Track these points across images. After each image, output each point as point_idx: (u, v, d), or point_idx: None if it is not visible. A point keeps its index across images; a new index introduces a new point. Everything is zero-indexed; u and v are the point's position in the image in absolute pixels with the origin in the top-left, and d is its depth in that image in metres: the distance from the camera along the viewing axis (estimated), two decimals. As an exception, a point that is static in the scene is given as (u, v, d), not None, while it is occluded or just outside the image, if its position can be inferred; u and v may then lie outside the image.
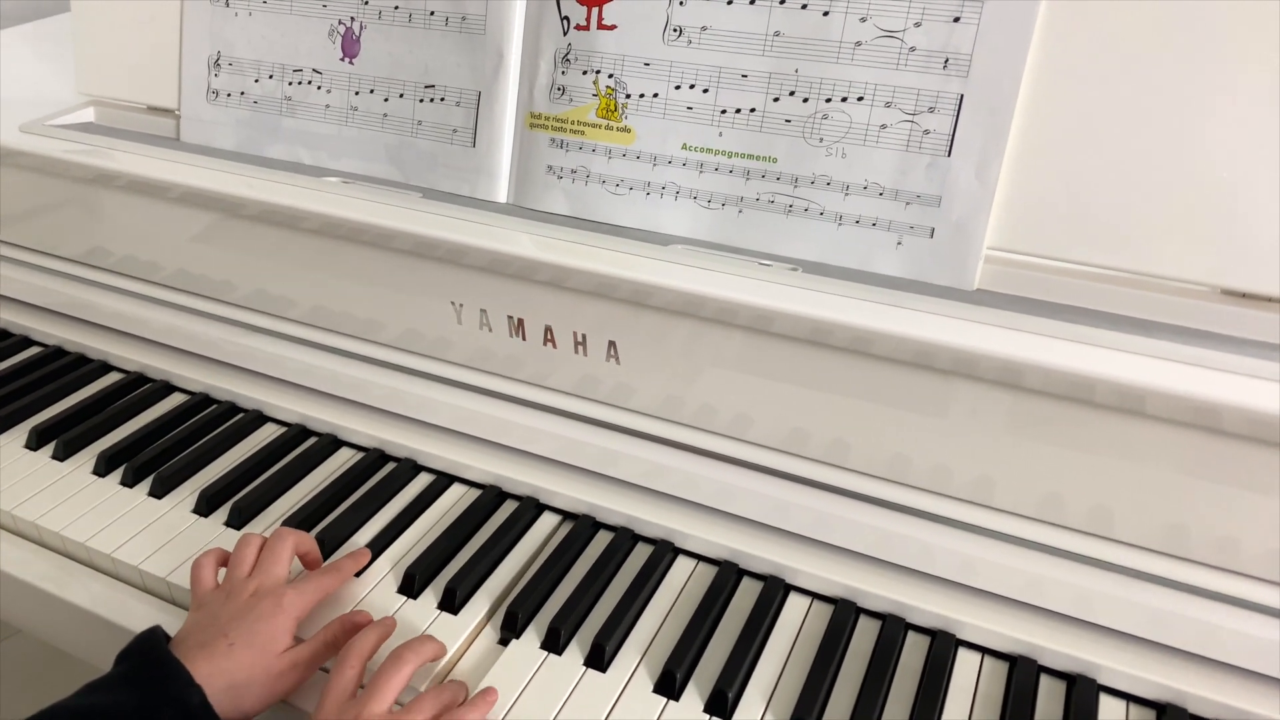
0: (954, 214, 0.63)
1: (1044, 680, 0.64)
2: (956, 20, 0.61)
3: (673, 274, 0.65)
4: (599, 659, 0.65)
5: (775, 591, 0.70)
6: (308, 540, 0.70)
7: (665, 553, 0.73)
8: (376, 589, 0.71)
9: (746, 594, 0.71)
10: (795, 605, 0.70)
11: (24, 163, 0.89)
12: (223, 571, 0.68)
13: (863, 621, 0.69)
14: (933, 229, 0.64)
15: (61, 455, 0.84)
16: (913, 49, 0.62)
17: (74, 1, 0.92)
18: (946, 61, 0.62)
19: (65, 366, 0.97)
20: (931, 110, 0.62)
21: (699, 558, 0.74)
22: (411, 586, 0.71)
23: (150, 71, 0.90)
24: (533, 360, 0.75)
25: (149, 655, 0.58)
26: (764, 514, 0.72)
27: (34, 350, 1.01)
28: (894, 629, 0.67)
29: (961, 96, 0.61)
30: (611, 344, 0.71)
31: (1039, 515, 0.65)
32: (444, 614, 0.69)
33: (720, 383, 0.69)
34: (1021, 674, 0.64)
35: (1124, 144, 0.59)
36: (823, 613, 0.69)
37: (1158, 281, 0.61)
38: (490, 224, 0.74)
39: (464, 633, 0.67)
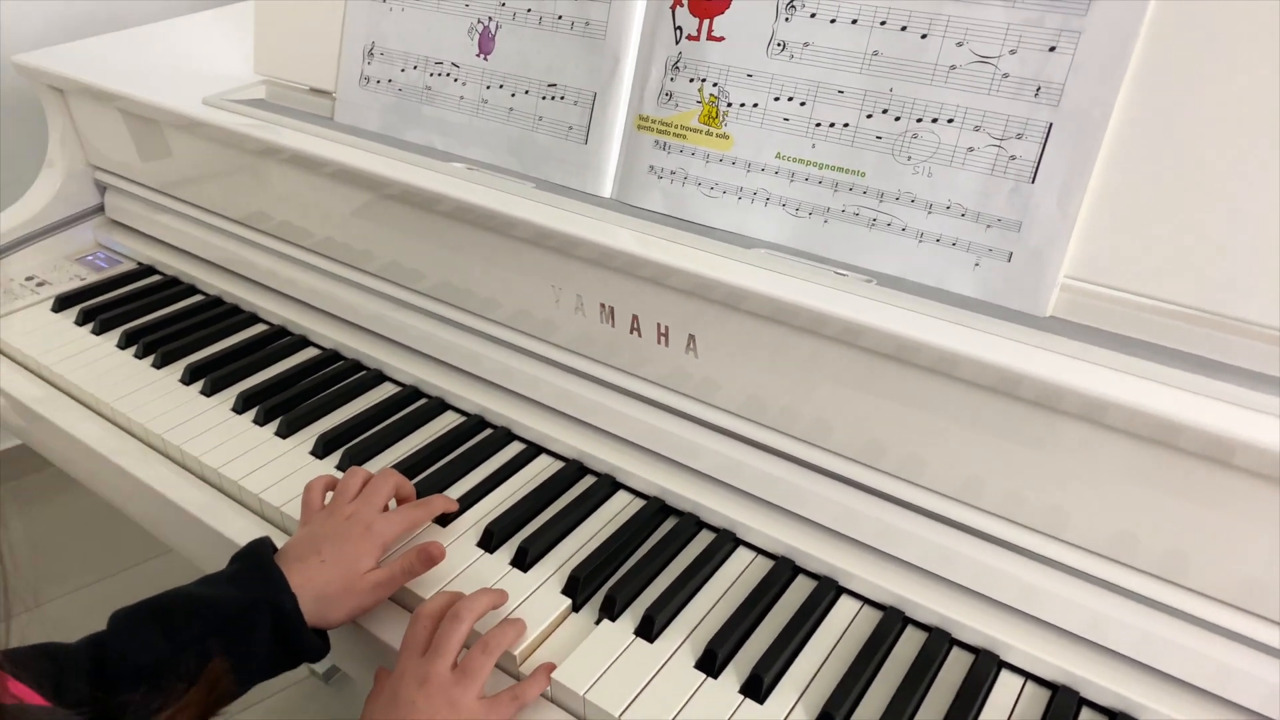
0: (1033, 240, 0.63)
1: (1085, 713, 0.64)
2: (1052, 50, 0.61)
3: (756, 278, 0.68)
4: (648, 630, 0.69)
5: (827, 591, 0.72)
6: (407, 486, 0.78)
7: (726, 542, 0.77)
8: (458, 541, 0.77)
9: (799, 590, 0.73)
10: (845, 607, 0.72)
11: (203, 132, 1.01)
12: (329, 496, 0.76)
13: (909, 631, 0.70)
14: (1010, 253, 0.64)
15: (209, 391, 0.96)
16: (1006, 75, 0.63)
17: (257, -8, 1.03)
18: (1039, 90, 0.62)
19: (221, 314, 1.09)
20: (1019, 136, 0.63)
21: (758, 550, 0.77)
22: (489, 542, 0.77)
23: (314, 57, 1.00)
24: (622, 347, 0.80)
25: (256, 560, 0.67)
26: (831, 519, 0.74)
27: (197, 298, 1.14)
28: (938, 642, 0.68)
29: (1050, 125, 0.62)
30: (691, 337, 0.75)
31: (1110, 553, 0.65)
32: (514, 570, 0.75)
33: (798, 387, 0.72)
34: (1061, 703, 0.64)
35: (1215, 184, 0.59)
36: (870, 618, 0.71)
37: (1239, 324, 0.60)
38: (595, 218, 0.79)
39: (529, 589, 0.73)
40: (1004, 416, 0.63)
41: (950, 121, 0.65)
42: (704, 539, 0.78)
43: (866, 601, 0.72)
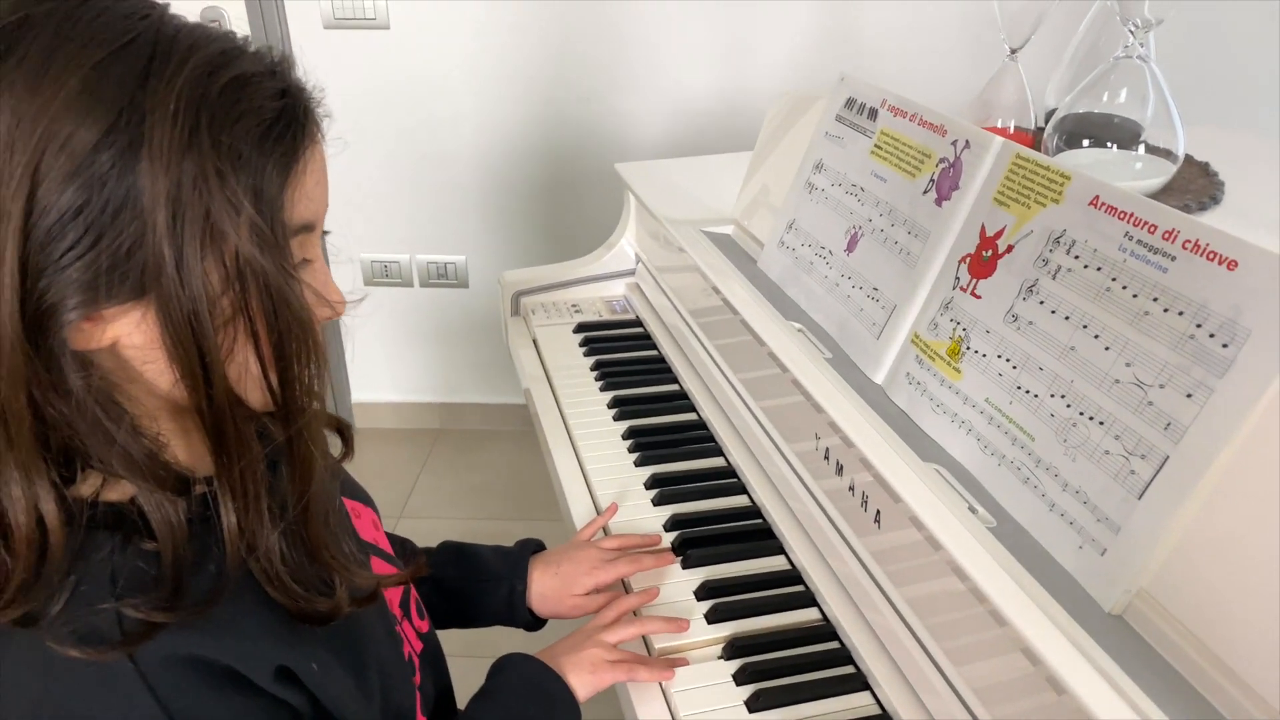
0: (1126, 545, 0.72)
1: None
2: (1189, 396, 0.70)
3: (907, 483, 0.86)
4: None
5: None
6: (637, 567, 1.06)
7: None
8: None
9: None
10: None
11: (675, 245, 1.43)
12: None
13: None
14: (1105, 549, 0.74)
15: (617, 417, 1.38)
16: (1150, 403, 0.73)
17: (752, 156, 1.42)
18: (1168, 425, 0.71)
19: (656, 369, 1.51)
20: (1143, 457, 0.73)
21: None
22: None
23: (764, 217, 1.35)
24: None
25: (520, 551, 1.05)
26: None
27: (650, 352, 1.57)
28: None
29: (1167, 457, 0.71)
30: (878, 511, 0.94)
31: None
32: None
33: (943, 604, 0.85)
34: None
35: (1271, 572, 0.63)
36: None
37: (1255, 695, 0.63)
38: (853, 404, 1.00)
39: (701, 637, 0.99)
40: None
41: (1101, 423, 0.77)
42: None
43: None
